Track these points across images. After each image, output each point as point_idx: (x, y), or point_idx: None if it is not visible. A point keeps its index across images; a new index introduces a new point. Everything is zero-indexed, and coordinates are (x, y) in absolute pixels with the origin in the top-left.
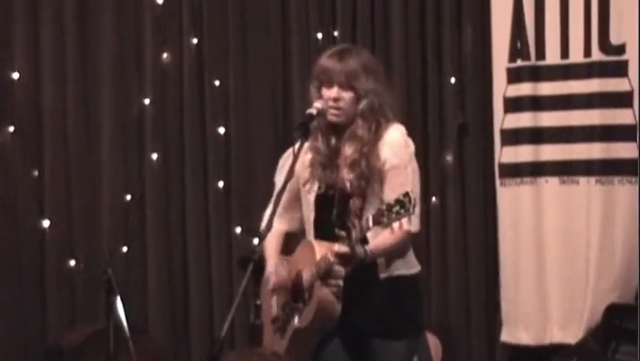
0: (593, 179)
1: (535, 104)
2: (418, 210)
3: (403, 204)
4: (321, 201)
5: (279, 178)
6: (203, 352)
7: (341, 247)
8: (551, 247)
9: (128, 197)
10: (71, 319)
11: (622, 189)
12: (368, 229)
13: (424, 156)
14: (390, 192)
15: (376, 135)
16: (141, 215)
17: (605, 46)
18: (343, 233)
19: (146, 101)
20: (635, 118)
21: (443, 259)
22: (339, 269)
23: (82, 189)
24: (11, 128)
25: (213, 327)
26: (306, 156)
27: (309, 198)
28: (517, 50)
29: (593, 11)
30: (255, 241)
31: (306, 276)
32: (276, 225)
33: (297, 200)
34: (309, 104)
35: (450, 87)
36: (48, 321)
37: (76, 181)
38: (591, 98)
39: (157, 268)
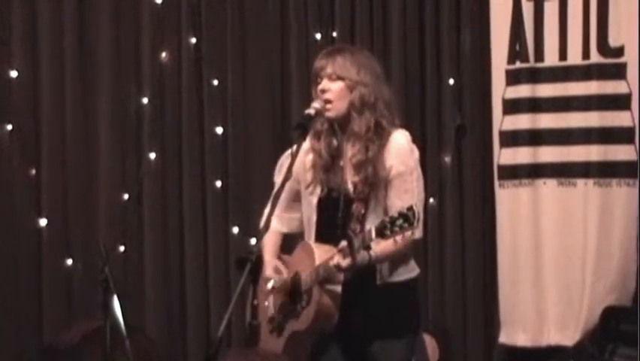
0: (591, 181)
1: (534, 106)
2: (422, 216)
3: (407, 217)
4: (325, 204)
5: (278, 178)
6: (199, 351)
7: (343, 260)
8: (549, 249)
9: (126, 196)
10: (68, 318)
11: (620, 192)
12: (371, 240)
13: (422, 157)
14: (396, 199)
15: (381, 141)
16: (138, 214)
17: (604, 48)
18: (344, 243)
19: (144, 101)
20: (633, 120)
21: (441, 259)
22: (338, 274)
23: (79, 188)
24: (9, 127)
25: (210, 327)
26: (307, 157)
27: (312, 201)
28: (516, 51)
29: (592, 14)
30: (253, 241)
31: (305, 279)
32: (275, 225)
33: (296, 200)
34: (308, 105)
35: (448, 88)
36: (45, 320)
37: (74, 180)
38: (589, 100)
39: (154, 268)
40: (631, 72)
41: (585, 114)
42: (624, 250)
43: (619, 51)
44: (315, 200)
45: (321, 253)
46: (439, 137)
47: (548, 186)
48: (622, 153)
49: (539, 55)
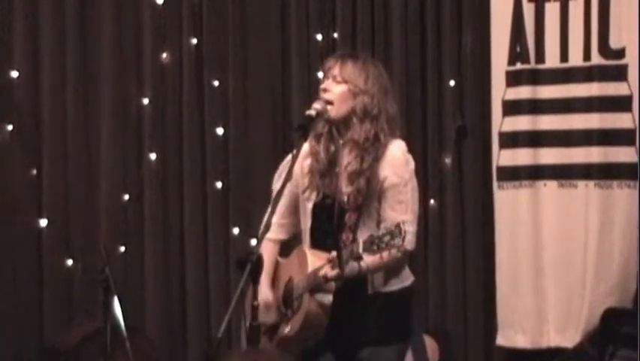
0: (591, 183)
1: (535, 107)
2: (415, 228)
3: (393, 235)
4: (319, 210)
5: (277, 185)
6: (199, 352)
7: (331, 271)
8: (549, 251)
9: (126, 197)
10: (68, 318)
11: (621, 194)
12: (358, 254)
13: (422, 158)
14: (390, 210)
15: (377, 153)
16: (139, 215)
17: (605, 50)
18: (334, 253)
19: (145, 101)
20: (634, 122)
21: (441, 261)
22: (329, 283)
23: (80, 189)
24: (10, 127)
25: (210, 328)
26: (305, 162)
27: (307, 206)
28: (517, 53)
29: (593, 15)
30: (253, 241)
31: (297, 285)
32: (273, 235)
33: (296, 204)
34: (309, 106)
35: (449, 90)
36: (45, 320)
37: (75, 180)
38: (590, 101)
39: (154, 268)
40: (632, 74)
41: (586, 116)
42: (625, 252)
43: (620, 53)
44: (310, 205)
45: (315, 260)
46: (440, 138)
47: (549, 188)
48: (623, 154)
49: (540, 56)
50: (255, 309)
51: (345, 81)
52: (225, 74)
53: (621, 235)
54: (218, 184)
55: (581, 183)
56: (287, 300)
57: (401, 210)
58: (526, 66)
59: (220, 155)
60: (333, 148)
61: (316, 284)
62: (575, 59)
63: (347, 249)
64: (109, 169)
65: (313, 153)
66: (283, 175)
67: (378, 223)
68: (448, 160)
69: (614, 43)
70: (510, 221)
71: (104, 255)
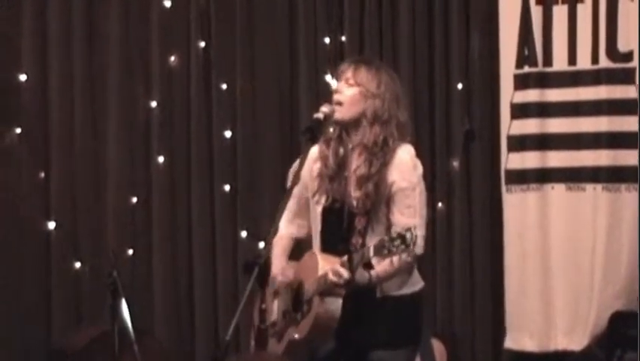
0: (599, 186)
1: (542, 110)
2: (424, 232)
3: (404, 239)
4: (329, 214)
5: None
6: (207, 355)
7: (339, 278)
8: (557, 254)
9: (134, 199)
10: (76, 321)
11: (629, 197)
12: (369, 258)
13: (430, 161)
14: (399, 214)
15: (385, 158)
16: (147, 218)
17: (613, 53)
18: (345, 258)
19: (153, 104)
20: None
21: (449, 264)
22: (340, 289)
23: (88, 192)
24: (18, 130)
25: (218, 330)
26: (315, 165)
27: (317, 210)
28: (525, 56)
29: (601, 18)
30: (261, 245)
31: (307, 288)
32: (286, 230)
33: (305, 206)
34: (317, 109)
35: (457, 93)
36: (53, 323)
37: (83, 183)
38: (598, 105)
39: (162, 271)
40: None
41: (594, 119)
42: (633, 255)
43: (628, 56)
44: (319, 209)
45: (325, 264)
46: (448, 141)
47: (557, 191)
48: (631, 157)
49: (548, 59)
50: (262, 312)
51: (357, 84)
52: (233, 77)
53: (629, 238)
54: (226, 187)
55: (589, 186)
56: (297, 303)
57: (409, 214)
58: (534, 69)
59: (228, 158)
60: (342, 152)
61: (326, 288)
62: (583, 62)
63: (358, 253)
64: (117, 172)
65: (322, 157)
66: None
67: (388, 228)
68: (455, 163)
69: (621, 46)
70: (518, 224)
71: (111, 258)
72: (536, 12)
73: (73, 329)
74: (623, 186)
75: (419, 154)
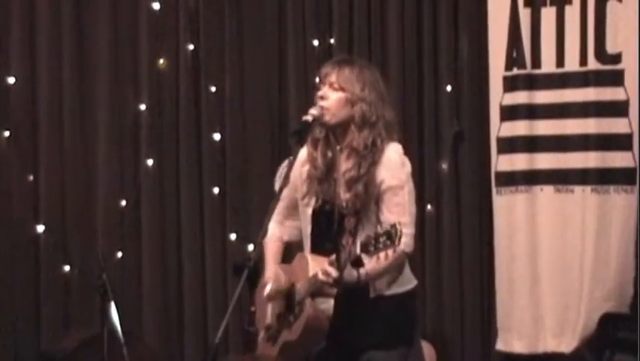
0: (588, 188)
1: (531, 112)
2: (413, 230)
3: (389, 235)
4: (318, 216)
5: (277, 186)
6: (197, 357)
7: (327, 276)
8: (546, 256)
9: (123, 202)
10: (65, 324)
11: (618, 198)
12: (356, 255)
13: (419, 163)
14: (388, 213)
15: (374, 158)
16: (136, 220)
17: (601, 55)
18: (333, 256)
19: (142, 107)
20: (631, 127)
21: (438, 266)
22: (331, 288)
23: (77, 195)
24: (6, 133)
25: (207, 333)
26: (303, 168)
27: (307, 212)
28: (514, 58)
29: (589, 20)
30: (250, 247)
31: (299, 290)
32: (276, 233)
33: (295, 208)
34: (306, 111)
35: (446, 95)
36: (42, 326)
37: (72, 186)
38: (587, 106)
39: (151, 274)
40: (628, 79)
41: (583, 121)
42: (622, 257)
43: (616, 58)
44: (309, 211)
45: (315, 265)
46: (437, 143)
47: (545, 193)
48: (620, 159)
49: (537, 61)
50: (251, 315)
51: (342, 89)
52: (222, 79)
53: (618, 240)
54: (215, 190)
55: (577, 188)
56: (289, 305)
57: (398, 212)
58: (522, 71)
59: (217, 160)
60: (330, 154)
61: (317, 288)
62: (572, 64)
63: (345, 251)
64: (106, 175)
65: (311, 159)
66: (280, 179)
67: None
68: (445, 165)
69: (610, 48)
70: (507, 226)
71: (101, 261)
72: (525, 14)
73: (63, 332)
74: (611, 188)
75: (408, 156)
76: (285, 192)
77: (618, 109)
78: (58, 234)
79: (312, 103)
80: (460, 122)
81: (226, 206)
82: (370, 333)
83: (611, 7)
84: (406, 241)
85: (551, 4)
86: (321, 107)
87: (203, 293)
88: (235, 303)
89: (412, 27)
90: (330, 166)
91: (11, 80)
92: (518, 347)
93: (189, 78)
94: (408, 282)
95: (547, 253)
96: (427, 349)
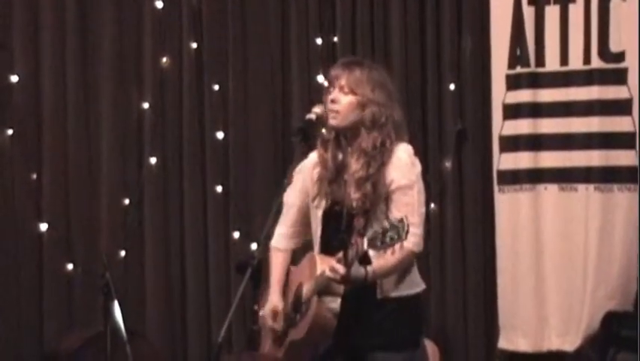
0: (592, 186)
1: (535, 110)
2: (422, 230)
3: (397, 230)
4: (328, 217)
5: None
6: (200, 356)
7: (337, 269)
8: (550, 254)
9: (127, 201)
10: (69, 323)
11: (621, 197)
12: (363, 251)
13: (423, 162)
14: (397, 212)
15: (383, 159)
16: (139, 219)
17: (605, 53)
18: (341, 254)
19: (146, 106)
20: (634, 125)
21: (441, 265)
22: (338, 286)
23: (80, 193)
24: (10, 132)
25: (211, 332)
26: (314, 170)
27: (317, 213)
28: (517, 56)
29: (593, 19)
30: (254, 245)
31: (306, 289)
32: (282, 244)
33: (304, 215)
34: (309, 110)
35: (449, 94)
36: (45, 325)
37: (75, 185)
38: (590, 105)
39: (155, 273)
40: (632, 77)
41: (586, 119)
42: (625, 256)
43: (620, 56)
44: (320, 213)
45: (324, 265)
46: (440, 142)
47: (549, 192)
48: (623, 158)
49: (540, 60)
50: (255, 313)
51: (352, 92)
52: (225, 78)
53: (622, 239)
54: (219, 188)
55: (581, 187)
56: (296, 305)
57: (407, 212)
58: (526, 70)
59: (220, 159)
60: (340, 156)
61: (324, 286)
62: (575, 62)
63: (352, 248)
64: (109, 173)
65: (321, 161)
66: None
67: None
68: (448, 164)
69: (613, 46)
70: (511, 225)
71: (104, 259)
72: (528, 12)
73: (66, 330)
74: (615, 187)
75: None
76: (297, 201)
77: (622, 107)
78: (62, 232)
79: (315, 101)
80: (464, 121)
81: (229, 204)
82: (376, 334)
83: (614, 6)
84: (415, 241)
85: (555, 3)
86: (333, 111)
87: (206, 292)
88: (238, 301)
89: (415, 25)
90: (341, 168)
91: (15, 78)
92: (523, 345)
93: (192, 77)
94: (416, 285)
95: (550, 252)
96: (430, 347)
